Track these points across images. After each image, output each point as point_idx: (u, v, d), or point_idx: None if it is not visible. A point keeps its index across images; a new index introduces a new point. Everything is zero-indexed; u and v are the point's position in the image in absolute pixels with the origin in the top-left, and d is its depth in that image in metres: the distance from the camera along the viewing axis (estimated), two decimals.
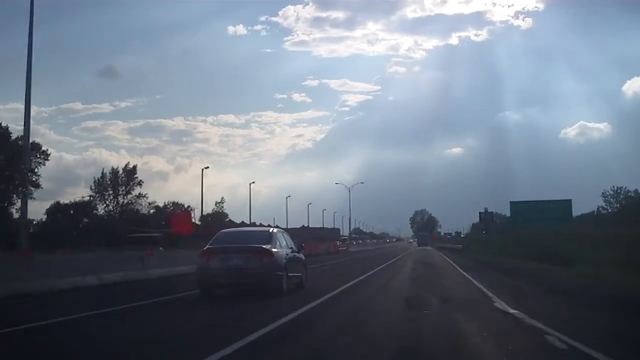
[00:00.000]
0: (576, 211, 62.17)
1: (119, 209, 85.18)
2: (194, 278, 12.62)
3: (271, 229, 13.74)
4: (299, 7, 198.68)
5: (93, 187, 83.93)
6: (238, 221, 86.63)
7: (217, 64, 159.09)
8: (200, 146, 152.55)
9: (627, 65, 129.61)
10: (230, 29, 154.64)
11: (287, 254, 12.65)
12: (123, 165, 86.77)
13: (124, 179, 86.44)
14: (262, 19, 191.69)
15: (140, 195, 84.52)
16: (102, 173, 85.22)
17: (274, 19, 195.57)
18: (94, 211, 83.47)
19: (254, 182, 73.14)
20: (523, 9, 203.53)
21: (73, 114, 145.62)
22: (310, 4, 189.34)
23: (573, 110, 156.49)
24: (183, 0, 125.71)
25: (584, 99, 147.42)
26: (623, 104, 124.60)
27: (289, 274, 12.40)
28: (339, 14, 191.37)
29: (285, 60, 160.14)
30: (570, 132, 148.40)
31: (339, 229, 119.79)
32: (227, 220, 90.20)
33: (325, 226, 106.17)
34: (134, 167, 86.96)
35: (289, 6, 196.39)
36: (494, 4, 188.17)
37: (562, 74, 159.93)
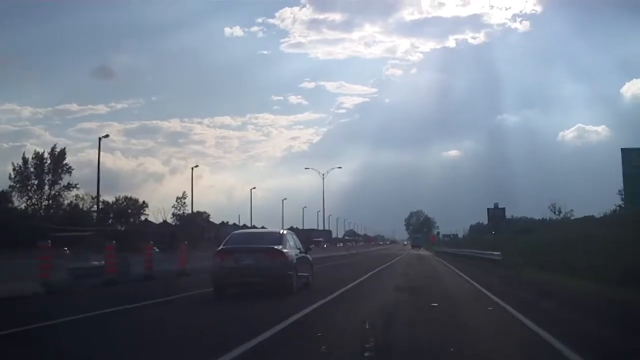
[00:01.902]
0: (582, 212, 61.36)
1: (45, 202, 77.84)
2: (209, 277, 14.15)
3: (281, 231, 15.69)
4: (296, 9, 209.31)
5: (12, 176, 76.00)
6: (217, 222, 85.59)
7: (213, 66, 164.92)
8: (196, 148, 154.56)
9: (625, 67, 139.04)
10: (227, 30, 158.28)
11: (296, 255, 14.83)
12: (51, 150, 78.93)
13: (51, 166, 77.48)
14: (259, 20, 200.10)
15: (70, 186, 76.62)
16: (24, 158, 77.13)
17: (270, 20, 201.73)
18: (9, 204, 75.87)
19: (196, 166, 75.96)
20: (520, 11, 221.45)
21: (69, 115, 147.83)
22: (307, 5, 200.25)
23: (571, 112, 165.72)
24: (179, 1, 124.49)
25: (582, 102, 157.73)
26: (622, 107, 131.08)
27: (299, 274, 14.23)
28: (335, 16, 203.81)
29: (282, 62, 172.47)
30: (568, 134, 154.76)
31: (330, 231, 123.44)
32: (203, 219, 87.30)
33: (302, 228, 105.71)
34: (63, 150, 78.05)
35: (286, 8, 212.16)
36: (492, 7, 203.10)
37: (559, 77, 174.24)
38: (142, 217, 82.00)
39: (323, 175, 76.38)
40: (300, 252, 16.22)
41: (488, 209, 75.95)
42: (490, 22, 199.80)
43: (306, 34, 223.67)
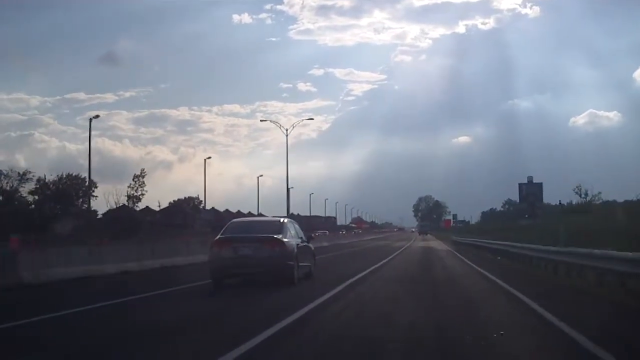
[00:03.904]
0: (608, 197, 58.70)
1: None
2: (207, 268, 14.41)
3: (282, 219, 16.07)
4: None
5: None
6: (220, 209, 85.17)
7: (222, 53, 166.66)
8: (205, 136, 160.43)
9: (638, 51, 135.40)
10: (235, 17, 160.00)
11: (297, 244, 15.46)
12: None
13: None
14: (267, 7, 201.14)
15: None
16: None
17: (279, 7, 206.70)
18: None
19: (96, 117, 62.00)
20: None
21: (77, 103, 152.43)
22: None
23: (582, 98, 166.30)
24: None
25: (594, 87, 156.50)
26: (634, 92, 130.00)
27: (300, 264, 14.42)
28: (344, 2, 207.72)
29: (291, 49, 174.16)
30: (579, 120, 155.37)
31: (335, 218, 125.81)
32: (195, 205, 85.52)
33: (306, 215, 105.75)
34: None
35: None
36: None
37: (570, 62, 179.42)
38: (92, 200, 72.52)
39: (287, 130, 63.69)
40: (302, 242, 16.70)
41: (520, 184, 58.84)
42: (500, 8, 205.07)
43: (315, 21, 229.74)
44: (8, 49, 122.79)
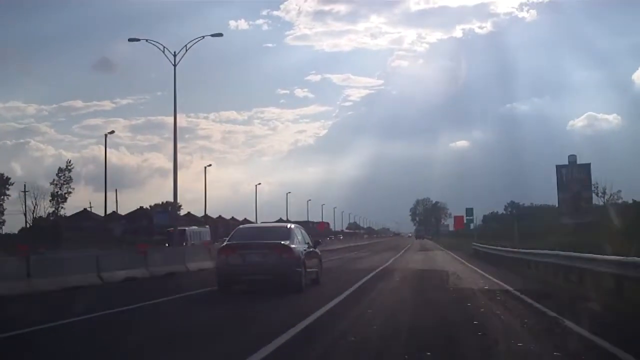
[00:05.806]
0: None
1: None
2: (215, 274, 15.14)
3: (289, 225, 16.46)
4: (301, 0, 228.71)
5: None
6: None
7: (218, 60, 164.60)
8: (202, 143, 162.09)
9: (637, 52, 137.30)
10: (232, 23, 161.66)
11: (304, 250, 15.82)
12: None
13: None
14: (264, 12, 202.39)
15: None
16: None
17: (275, 12, 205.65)
18: None
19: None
20: (527, 0, 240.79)
21: (74, 111, 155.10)
22: None
23: (580, 101, 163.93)
24: None
25: (592, 89, 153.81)
26: (633, 94, 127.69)
27: (307, 270, 14.95)
28: (341, 7, 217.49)
29: (287, 55, 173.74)
30: (578, 123, 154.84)
31: (328, 223, 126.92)
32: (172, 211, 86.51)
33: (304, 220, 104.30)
34: None
35: None
36: None
37: (568, 65, 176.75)
38: (5, 197, 68.83)
39: (174, 55, 40.67)
40: (309, 247, 17.07)
41: (558, 166, 45.25)
42: (497, 12, 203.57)
43: (311, 26, 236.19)
44: (4, 56, 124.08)
